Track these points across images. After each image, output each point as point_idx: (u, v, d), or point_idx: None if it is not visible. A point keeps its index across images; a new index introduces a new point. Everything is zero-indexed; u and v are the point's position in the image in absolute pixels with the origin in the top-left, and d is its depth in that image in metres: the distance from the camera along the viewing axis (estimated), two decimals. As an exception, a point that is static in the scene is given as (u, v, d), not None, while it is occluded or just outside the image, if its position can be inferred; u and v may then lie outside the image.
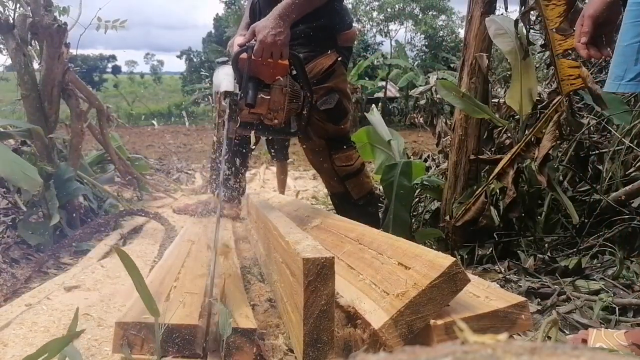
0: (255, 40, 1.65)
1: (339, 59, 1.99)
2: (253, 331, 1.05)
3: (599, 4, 1.16)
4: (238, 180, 2.49)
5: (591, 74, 1.92)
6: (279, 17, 1.64)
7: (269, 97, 1.74)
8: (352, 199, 2.16)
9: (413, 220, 2.62)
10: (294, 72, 1.82)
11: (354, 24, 2.21)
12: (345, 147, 2.11)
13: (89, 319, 1.41)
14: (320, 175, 2.34)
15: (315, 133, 2.07)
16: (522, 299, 0.99)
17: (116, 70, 45.71)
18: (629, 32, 1.12)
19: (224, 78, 1.72)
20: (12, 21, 2.58)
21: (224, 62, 1.78)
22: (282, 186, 4.03)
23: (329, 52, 1.96)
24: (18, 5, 2.63)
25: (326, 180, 2.25)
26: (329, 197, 4.20)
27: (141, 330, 0.95)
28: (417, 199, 2.83)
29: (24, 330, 1.30)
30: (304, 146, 2.18)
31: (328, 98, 1.98)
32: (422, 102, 3.88)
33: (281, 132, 1.92)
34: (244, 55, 1.66)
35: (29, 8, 2.61)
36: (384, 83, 16.66)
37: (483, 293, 1.02)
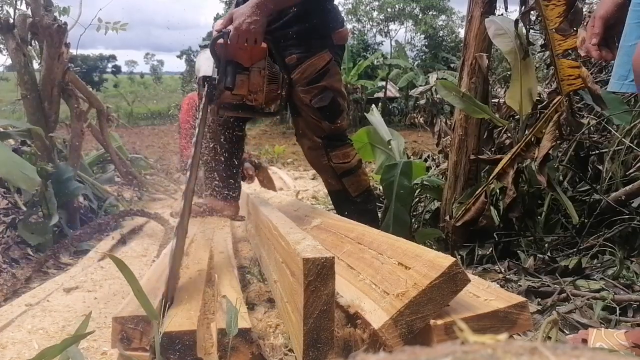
0: (232, 27, 1.69)
1: (333, 58, 2.00)
2: (247, 331, 1.05)
3: (610, 5, 1.17)
4: (232, 176, 2.46)
5: (591, 74, 1.92)
6: (255, 6, 1.69)
7: (247, 79, 1.80)
8: (350, 196, 2.17)
9: (413, 220, 2.62)
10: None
11: (348, 24, 2.23)
12: (342, 144, 2.13)
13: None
14: (319, 174, 2.35)
15: (312, 131, 2.08)
16: (522, 299, 0.98)
17: (116, 70, 45.66)
18: (633, 32, 1.13)
19: (204, 63, 1.80)
20: (12, 21, 2.58)
21: (205, 46, 1.85)
22: (271, 188, 4.03)
23: (323, 52, 1.98)
24: (18, 5, 2.63)
25: (325, 179, 2.27)
26: (328, 197, 4.20)
27: (139, 323, 0.96)
28: (417, 199, 2.83)
29: (23, 332, 1.30)
30: (302, 145, 2.20)
31: (322, 96, 1.99)
32: (422, 102, 3.89)
33: (262, 113, 1.99)
34: (220, 40, 1.72)
35: (29, 8, 2.61)
36: (384, 83, 16.66)
37: (483, 293, 1.02)
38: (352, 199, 2.17)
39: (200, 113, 1.66)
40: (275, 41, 1.90)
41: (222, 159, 2.38)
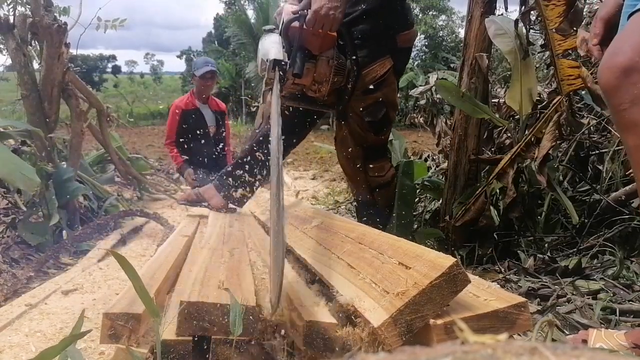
0: (309, 10, 1.62)
1: (392, 66, 1.92)
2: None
3: (611, 6, 1.18)
4: (256, 182, 2.32)
5: (591, 74, 1.92)
6: None
7: (314, 68, 1.72)
8: (377, 207, 2.14)
9: (413, 220, 2.62)
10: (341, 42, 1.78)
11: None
12: (380, 157, 2.08)
13: (86, 321, 1.40)
14: (349, 181, 2.29)
15: (354, 140, 2.02)
16: (522, 299, 0.98)
17: (116, 70, 45.62)
18: None
19: (272, 46, 1.69)
20: (12, 21, 2.58)
21: (271, 30, 1.77)
22: None
23: (384, 58, 1.88)
24: (18, 5, 2.63)
25: (355, 187, 2.21)
26: (329, 196, 4.19)
27: (129, 321, 0.96)
28: (417, 199, 2.83)
29: (20, 335, 1.29)
30: (339, 151, 2.15)
31: (374, 110, 1.92)
32: (422, 102, 3.88)
33: (322, 105, 1.88)
34: (295, 24, 1.65)
35: (29, 8, 2.61)
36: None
37: (483, 293, 1.02)
38: (379, 210, 2.14)
39: (272, 99, 1.55)
40: (347, 29, 1.78)
41: (256, 164, 2.23)
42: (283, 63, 1.64)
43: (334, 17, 1.62)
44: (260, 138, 2.20)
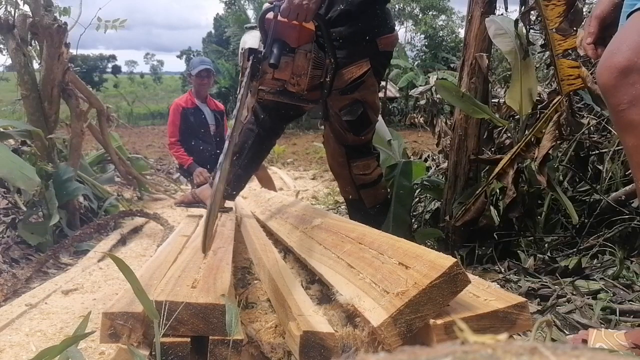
0: (284, 0, 1.65)
1: (370, 68, 1.93)
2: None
3: (607, 4, 1.18)
4: (242, 176, 2.32)
5: (591, 74, 1.92)
6: None
7: (292, 61, 1.74)
8: (364, 206, 2.16)
9: (413, 220, 2.61)
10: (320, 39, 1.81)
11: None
12: (364, 156, 2.09)
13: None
14: (336, 180, 2.32)
15: (336, 138, 2.06)
16: (522, 299, 0.98)
17: (116, 70, 45.52)
18: None
19: (250, 38, 1.73)
20: (12, 21, 2.58)
21: (252, 27, 1.81)
22: (271, 188, 4.03)
23: (362, 60, 1.90)
24: (18, 5, 2.63)
25: (342, 185, 2.24)
26: (329, 196, 4.19)
27: (128, 320, 0.96)
28: (417, 199, 2.83)
29: (21, 335, 1.29)
30: (325, 149, 2.18)
31: (351, 109, 1.94)
32: (422, 102, 3.87)
33: (302, 100, 1.90)
34: (270, 14, 1.67)
35: (29, 8, 2.61)
36: (383, 83, 16.61)
37: (483, 293, 1.02)
38: (365, 209, 2.16)
39: (242, 89, 1.59)
40: (325, 26, 1.81)
41: (244, 156, 2.24)
42: (258, 52, 1.67)
43: (308, 7, 1.64)
44: (244, 130, 2.21)
